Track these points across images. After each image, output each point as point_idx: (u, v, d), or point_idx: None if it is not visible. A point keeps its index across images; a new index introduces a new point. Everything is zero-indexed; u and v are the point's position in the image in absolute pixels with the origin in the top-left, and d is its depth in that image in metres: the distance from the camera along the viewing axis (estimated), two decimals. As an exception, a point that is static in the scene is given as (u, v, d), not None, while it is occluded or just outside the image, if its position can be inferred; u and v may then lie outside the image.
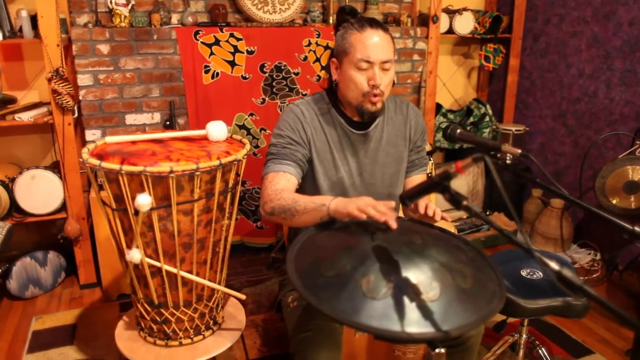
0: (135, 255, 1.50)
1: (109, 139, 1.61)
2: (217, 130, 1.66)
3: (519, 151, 1.28)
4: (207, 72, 2.84)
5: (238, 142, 1.73)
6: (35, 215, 2.58)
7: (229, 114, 2.94)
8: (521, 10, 3.45)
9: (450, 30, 3.35)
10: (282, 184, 1.50)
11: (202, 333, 1.70)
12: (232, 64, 2.88)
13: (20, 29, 2.49)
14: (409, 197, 1.12)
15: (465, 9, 3.32)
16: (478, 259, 1.30)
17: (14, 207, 2.55)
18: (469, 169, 3.53)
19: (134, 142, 1.63)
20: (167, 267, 1.54)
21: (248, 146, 1.65)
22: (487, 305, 1.12)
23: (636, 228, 1.12)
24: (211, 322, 1.73)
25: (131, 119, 2.77)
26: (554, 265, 0.90)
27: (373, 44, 1.49)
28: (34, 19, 2.45)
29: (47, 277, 2.70)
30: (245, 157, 1.62)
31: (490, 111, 3.56)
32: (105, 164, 1.42)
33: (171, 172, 1.40)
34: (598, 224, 3.09)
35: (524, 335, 2.06)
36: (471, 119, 3.57)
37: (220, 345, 1.69)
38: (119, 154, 1.48)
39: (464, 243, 1.36)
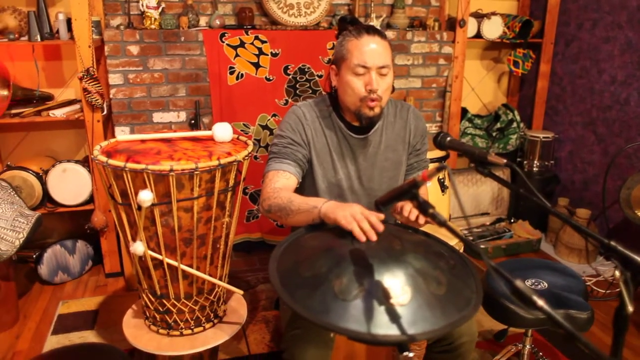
0: (138, 247, 1.59)
1: (121, 137, 1.70)
2: (222, 131, 1.73)
3: (504, 161, 1.28)
4: (232, 73, 2.92)
5: (243, 143, 1.79)
6: (66, 206, 2.73)
7: (253, 114, 3.02)
8: (554, 14, 3.37)
9: (478, 35, 3.31)
10: (281, 183, 1.55)
11: (203, 325, 1.77)
12: (257, 65, 2.96)
13: (58, 31, 2.65)
14: (382, 204, 1.14)
15: (494, 13, 3.27)
16: (460, 266, 1.30)
17: (47, 197, 2.71)
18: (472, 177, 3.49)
19: (143, 141, 1.72)
20: (168, 260, 1.62)
21: (250, 147, 1.71)
22: (458, 312, 1.13)
23: (612, 242, 1.10)
24: (212, 314, 1.80)
25: (158, 117, 2.89)
26: (509, 276, 0.91)
27: (370, 49, 1.52)
28: (70, 22, 2.60)
29: (75, 264, 2.86)
30: (247, 158, 1.68)
31: (518, 117, 3.49)
32: (111, 161, 1.51)
33: (171, 170, 1.47)
34: (626, 236, 2.99)
35: (528, 346, 2.03)
36: (498, 125, 3.52)
37: (219, 338, 1.75)
38: (126, 152, 1.57)
39: (449, 250, 1.37)
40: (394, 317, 1.09)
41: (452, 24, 3.31)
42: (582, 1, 3.21)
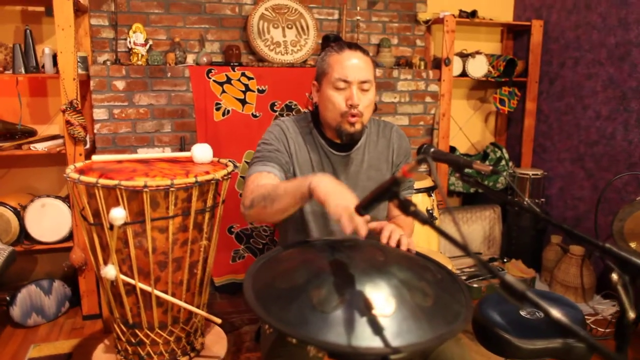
0: (110, 271, 1.50)
1: (95, 157, 1.65)
2: (201, 152, 1.68)
3: (490, 168, 1.23)
4: (218, 109, 2.91)
5: (222, 165, 1.74)
6: (43, 243, 2.63)
7: (239, 150, 2.99)
8: (536, 54, 3.43)
9: (464, 74, 3.36)
10: (264, 182, 1.46)
11: (178, 358, 1.66)
12: (243, 102, 2.95)
13: (44, 66, 2.64)
14: (364, 207, 1.08)
15: (478, 52, 3.33)
16: (448, 281, 1.23)
17: (24, 234, 2.62)
18: (488, 217, 3.44)
19: (119, 162, 1.67)
20: (141, 285, 1.53)
21: (230, 168, 1.66)
22: (446, 325, 1.05)
23: (606, 245, 1.04)
24: (188, 347, 1.68)
25: (143, 152, 2.84)
26: (496, 271, 0.84)
27: (351, 64, 1.50)
28: (56, 57, 2.59)
29: (51, 305, 2.72)
30: (226, 178, 1.62)
31: (506, 155, 3.48)
32: (83, 178, 1.45)
33: (145, 186, 1.41)
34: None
35: (526, 381, 1.91)
36: (487, 163, 3.49)
37: (195, 373, 1.64)
38: (100, 170, 1.52)
39: (436, 265, 1.30)
40: (377, 328, 1.00)
41: (438, 63, 3.35)
42: (563, 41, 3.28)
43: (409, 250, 1.32)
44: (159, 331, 1.59)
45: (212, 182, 1.54)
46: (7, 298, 2.61)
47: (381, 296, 1.06)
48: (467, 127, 3.73)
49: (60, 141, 2.73)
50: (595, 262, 3.06)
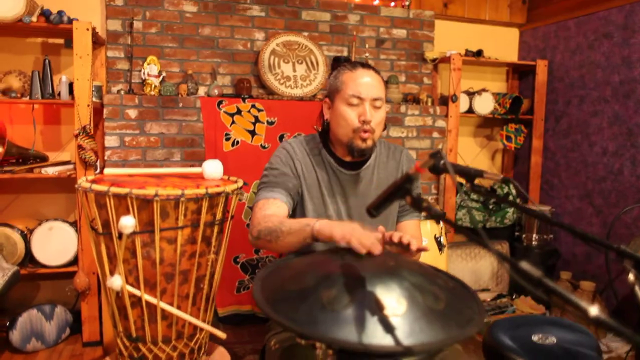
0: (116, 281, 1.49)
1: (107, 170, 1.67)
2: (212, 168, 1.70)
3: (501, 176, 1.23)
4: (227, 139, 2.95)
5: (232, 181, 1.75)
6: (48, 266, 2.62)
7: (247, 181, 2.98)
8: (542, 93, 3.49)
9: (471, 110, 3.41)
10: (271, 210, 1.49)
11: (180, 377, 1.61)
12: (253, 133, 2.99)
13: (60, 94, 2.71)
14: (375, 208, 1.08)
15: (484, 90, 3.39)
16: (459, 289, 1.21)
17: (29, 257, 2.61)
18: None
19: (131, 175, 1.68)
20: (147, 297, 1.51)
21: (240, 183, 1.67)
22: (458, 328, 1.03)
23: (621, 246, 1.03)
24: (191, 365, 1.64)
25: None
26: (509, 258, 0.83)
27: (364, 82, 1.54)
28: (72, 85, 2.67)
29: (52, 331, 2.67)
30: (237, 193, 1.63)
31: (513, 191, 3.48)
32: (95, 186, 1.46)
33: (156, 195, 1.42)
34: (636, 307, 2.84)
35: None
36: (494, 199, 3.49)
37: (197, 392, 1.59)
38: (111, 181, 1.53)
39: (447, 275, 1.28)
40: (388, 327, 0.98)
41: (445, 101, 3.41)
42: (567, 80, 3.34)
43: (419, 249, 1.31)
44: (162, 345, 1.56)
45: (222, 195, 1.55)
46: (7, 323, 2.57)
47: (392, 297, 1.04)
48: (474, 164, 3.75)
49: (70, 166, 2.76)
50: (607, 298, 3.00)
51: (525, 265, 0.81)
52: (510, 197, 3.47)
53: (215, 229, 1.59)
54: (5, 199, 2.92)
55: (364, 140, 1.54)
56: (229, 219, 1.65)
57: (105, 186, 1.44)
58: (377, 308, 1.01)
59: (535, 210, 1.24)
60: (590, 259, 3.18)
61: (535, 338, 1.78)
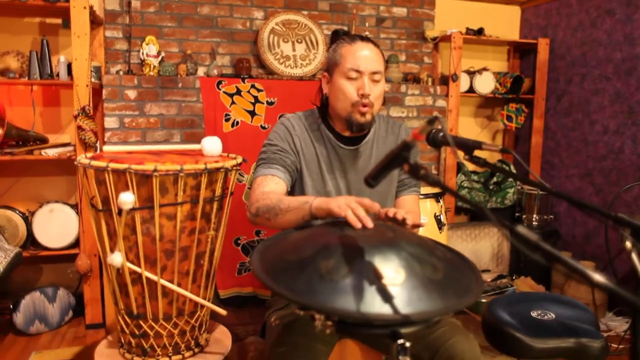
0: (116, 258, 1.49)
1: (107, 148, 1.66)
2: (211, 145, 1.69)
3: (499, 147, 1.23)
4: (227, 120, 2.94)
5: (232, 158, 1.75)
6: (50, 249, 2.63)
7: (247, 162, 3.00)
8: (543, 72, 3.46)
9: (471, 90, 3.39)
10: (270, 187, 1.49)
11: (182, 352, 1.62)
12: (252, 113, 2.98)
13: (58, 74, 2.70)
14: (373, 177, 1.07)
15: (485, 69, 3.36)
16: (457, 260, 1.21)
17: (31, 239, 2.62)
18: (497, 234, 3.41)
19: (130, 152, 1.68)
20: (147, 273, 1.51)
21: (240, 159, 1.67)
22: (457, 297, 1.03)
23: (618, 214, 1.03)
24: (192, 342, 1.65)
25: (151, 161, 2.86)
26: (506, 222, 0.83)
27: (363, 55, 1.52)
28: (70, 66, 2.65)
29: (55, 314, 2.69)
30: (236, 168, 1.62)
31: (514, 171, 3.47)
32: (94, 162, 1.46)
33: (155, 170, 1.42)
34: (636, 285, 2.85)
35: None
36: (494, 179, 3.49)
37: (199, 368, 1.60)
38: (111, 157, 1.53)
39: (445, 248, 1.28)
40: (386, 296, 0.98)
41: (445, 80, 3.39)
42: (569, 58, 3.32)
43: (414, 225, 1.31)
44: (163, 323, 1.57)
45: (222, 170, 1.55)
46: (11, 306, 2.59)
47: (391, 267, 1.04)
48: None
49: (70, 148, 2.76)
50: (607, 278, 3.00)
51: (522, 229, 0.81)
52: (511, 179, 3.46)
53: (215, 206, 1.59)
54: (5, 182, 2.92)
55: (363, 114, 1.53)
56: (229, 195, 1.65)
57: (104, 162, 1.44)
58: (376, 278, 1.01)
59: (534, 181, 1.24)
60: (589, 239, 3.18)
61: (534, 314, 1.79)
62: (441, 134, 1.36)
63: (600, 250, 3.08)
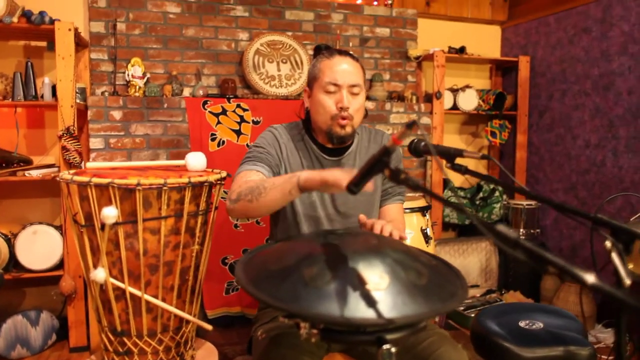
0: (99, 274, 1.47)
1: (90, 164, 1.66)
2: (195, 160, 1.69)
3: (480, 154, 1.25)
4: (213, 140, 2.95)
5: (216, 173, 1.75)
6: (33, 271, 2.58)
7: (231, 177, 3.00)
8: (524, 88, 3.53)
9: (455, 107, 3.43)
10: (252, 179, 1.46)
11: (167, 370, 1.60)
12: (238, 133, 2.99)
13: (42, 96, 2.69)
14: (355, 184, 1.08)
15: (468, 86, 3.42)
16: (442, 267, 1.21)
17: (13, 262, 2.57)
18: (484, 249, 3.40)
19: (113, 168, 1.67)
20: (131, 289, 1.49)
21: (224, 174, 1.67)
22: (442, 302, 1.03)
23: (597, 214, 1.05)
24: (178, 359, 1.63)
25: (137, 181, 2.84)
26: (486, 222, 0.84)
27: (341, 69, 1.54)
28: (55, 88, 2.65)
29: (37, 337, 2.63)
30: (220, 182, 1.62)
31: (499, 187, 3.51)
32: (77, 177, 1.45)
33: (138, 184, 1.41)
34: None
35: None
36: (481, 195, 3.52)
37: (184, 386, 1.57)
38: (94, 173, 1.52)
39: (430, 255, 1.28)
40: (370, 301, 0.98)
41: (429, 98, 3.44)
42: (549, 75, 3.39)
43: (400, 238, 1.31)
44: (147, 339, 1.54)
45: (206, 184, 1.55)
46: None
47: (375, 272, 1.04)
48: (459, 161, 3.76)
49: (55, 169, 2.73)
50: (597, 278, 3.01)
51: (502, 227, 0.81)
52: (497, 193, 3.49)
53: (199, 220, 1.58)
54: (-12, 204, 2.89)
55: (343, 127, 1.55)
56: (213, 210, 1.64)
57: (86, 177, 1.43)
58: (360, 283, 1.01)
59: (517, 188, 1.26)
60: (576, 252, 3.20)
61: (522, 324, 1.79)
62: (423, 143, 1.38)
63: (587, 262, 3.10)
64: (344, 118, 1.53)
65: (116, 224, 1.43)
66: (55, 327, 2.72)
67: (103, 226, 1.43)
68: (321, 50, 1.67)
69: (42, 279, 2.72)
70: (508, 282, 3.36)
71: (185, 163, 1.68)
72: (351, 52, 1.62)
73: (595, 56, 3.02)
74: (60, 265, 2.64)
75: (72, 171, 1.64)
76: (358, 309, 0.96)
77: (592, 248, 2.86)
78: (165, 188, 1.44)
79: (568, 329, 1.73)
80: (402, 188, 1.76)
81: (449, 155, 1.29)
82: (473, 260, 3.43)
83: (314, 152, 1.63)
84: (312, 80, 1.59)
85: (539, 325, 1.77)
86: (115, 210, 1.41)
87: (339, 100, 1.52)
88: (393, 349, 0.97)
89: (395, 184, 1.73)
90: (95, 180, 1.42)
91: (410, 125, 0.97)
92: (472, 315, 3.00)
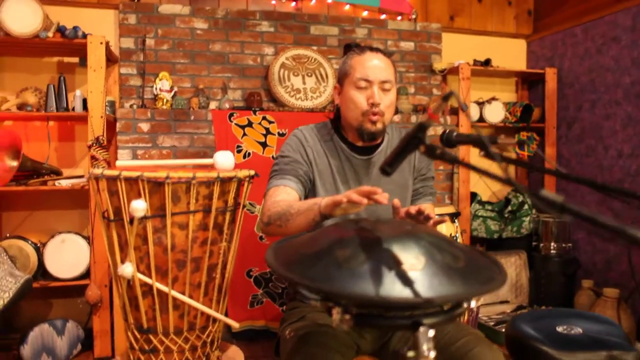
0: (127, 268, 1.47)
1: (119, 162, 1.67)
2: (223, 159, 1.69)
3: (515, 140, 1.22)
4: (239, 151, 2.96)
5: (246, 170, 1.74)
6: (60, 279, 2.60)
7: (259, 193, 2.98)
8: (552, 100, 3.48)
9: (481, 119, 3.40)
10: (281, 197, 1.49)
11: (193, 371, 1.56)
12: (264, 145, 3.00)
13: (74, 109, 2.75)
14: (389, 164, 1.06)
15: (494, 99, 3.39)
16: (477, 254, 1.17)
17: (41, 270, 2.59)
18: (514, 263, 3.31)
19: (142, 167, 1.68)
20: (158, 285, 1.48)
21: (252, 172, 1.66)
22: (480, 285, 0.99)
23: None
24: (203, 358, 1.59)
25: (163, 192, 2.86)
26: (523, 187, 0.81)
27: (372, 65, 1.54)
28: (86, 101, 2.71)
29: (63, 347, 2.63)
30: (249, 180, 1.62)
31: (528, 199, 3.43)
32: (106, 172, 1.46)
33: (167, 177, 1.41)
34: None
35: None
36: (509, 208, 3.44)
37: (210, 387, 1.54)
38: (123, 168, 1.53)
39: (465, 245, 1.24)
40: (406, 281, 0.94)
41: (455, 111, 3.41)
42: (577, 85, 3.34)
43: (437, 222, 1.28)
44: (174, 337, 1.52)
45: (234, 180, 1.54)
46: (19, 336, 2.54)
47: (410, 254, 1.01)
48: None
49: (84, 179, 2.77)
50: (634, 305, 2.89)
51: (546, 192, 0.78)
52: (525, 206, 3.41)
53: (227, 217, 1.57)
54: (18, 215, 2.94)
55: (374, 122, 1.54)
56: (241, 207, 1.63)
57: (116, 171, 1.44)
58: (395, 264, 0.98)
59: (553, 170, 1.21)
60: (610, 266, 3.09)
61: (559, 329, 1.71)
62: (455, 133, 1.36)
63: (624, 277, 2.98)
64: (375, 114, 1.52)
65: (145, 217, 1.43)
66: (80, 337, 2.72)
67: (132, 220, 1.43)
68: (352, 48, 1.67)
69: (69, 289, 2.73)
70: (539, 298, 3.24)
71: (214, 161, 1.69)
72: (382, 49, 1.62)
73: (626, 64, 2.96)
74: (86, 274, 2.65)
75: (102, 167, 1.65)
76: (394, 289, 0.92)
77: (631, 261, 2.76)
78: (194, 182, 1.44)
79: (609, 334, 1.65)
80: (433, 189, 1.73)
81: (483, 142, 1.26)
82: (503, 276, 3.32)
83: (344, 152, 1.62)
84: (343, 76, 1.59)
85: (578, 330, 1.70)
86: (144, 203, 1.41)
87: (370, 96, 1.52)
88: (431, 332, 0.93)
89: (427, 187, 1.70)
90: (125, 173, 1.42)
91: (447, 97, 0.95)
92: (503, 330, 2.90)
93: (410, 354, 0.92)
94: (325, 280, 0.96)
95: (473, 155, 3.43)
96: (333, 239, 1.09)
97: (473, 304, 1.02)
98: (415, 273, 0.96)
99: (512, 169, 3.83)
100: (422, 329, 0.93)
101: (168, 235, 1.45)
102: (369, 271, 0.96)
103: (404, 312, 0.96)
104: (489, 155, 1.27)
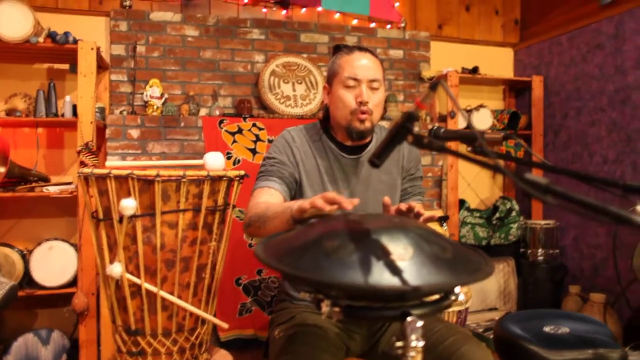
0: (115, 268, 1.46)
1: (108, 163, 1.67)
2: (213, 159, 1.69)
3: (501, 134, 1.24)
4: (229, 158, 2.96)
5: (235, 170, 1.75)
6: (46, 287, 2.57)
7: (249, 199, 2.99)
8: (539, 108, 3.53)
9: (469, 127, 3.43)
10: (263, 198, 1.51)
11: (181, 373, 1.55)
12: (254, 151, 3.01)
13: (63, 115, 2.75)
14: (377, 156, 1.06)
15: (482, 106, 3.43)
16: (465, 247, 1.18)
17: (27, 278, 2.56)
18: (502, 270, 3.33)
19: (132, 167, 1.68)
20: (147, 285, 1.47)
21: (242, 172, 1.67)
22: (467, 275, 1.00)
23: (627, 182, 1.01)
24: (192, 361, 1.58)
25: (153, 198, 2.85)
26: (512, 173, 0.82)
27: (360, 64, 1.56)
28: (75, 108, 2.70)
29: (48, 356, 2.59)
30: (239, 180, 1.62)
31: (516, 206, 3.46)
32: (96, 170, 1.45)
33: (157, 176, 1.42)
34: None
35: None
36: (497, 215, 3.47)
37: (199, 389, 1.52)
38: (113, 168, 1.53)
39: (452, 240, 1.25)
40: (395, 270, 0.95)
41: (443, 118, 3.45)
42: (563, 93, 3.39)
43: (427, 219, 1.29)
44: (162, 339, 1.50)
45: (224, 179, 1.55)
46: (2, 348, 2.50)
47: (399, 245, 1.01)
48: (475, 183, 3.74)
49: (72, 186, 2.76)
50: (620, 310, 2.91)
51: (530, 175, 0.79)
52: (513, 213, 3.44)
53: (217, 216, 1.57)
54: (6, 223, 2.90)
55: (362, 121, 1.55)
56: (231, 208, 1.63)
57: (106, 170, 1.44)
58: (383, 254, 0.98)
59: (537, 162, 1.23)
60: (597, 271, 3.12)
61: (547, 329, 1.72)
62: (442, 129, 1.38)
63: (610, 282, 3.00)
64: (363, 112, 1.54)
65: (134, 216, 1.43)
66: (66, 346, 2.67)
67: (121, 219, 1.43)
68: (340, 48, 1.69)
69: (55, 298, 2.70)
70: (528, 304, 3.26)
71: (204, 162, 1.69)
72: (370, 49, 1.64)
73: (610, 72, 3.02)
74: (73, 282, 2.62)
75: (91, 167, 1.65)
76: (383, 278, 0.93)
77: (617, 267, 2.78)
78: (184, 180, 1.44)
79: (596, 333, 1.66)
80: (422, 188, 1.74)
81: (469, 137, 1.28)
82: (491, 283, 3.34)
83: (332, 151, 1.63)
84: (332, 76, 1.61)
85: (565, 330, 1.71)
86: (134, 201, 1.41)
87: (359, 94, 1.54)
88: (419, 322, 0.93)
89: (416, 186, 1.72)
90: (115, 171, 1.42)
91: (434, 86, 0.96)
92: (492, 337, 2.90)
93: (399, 343, 0.93)
94: (314, 270, 0.96)
95: (461, 151, 3.46)
96: (322, 231, 1.09)
97: (461, 297, 1.02)
98: (404, 263, 0.97)
99: (500, 179, 3.87)
100: (409, 318, 0.93)
101: (157, 235, 1.45)
102: (358, 261, 0.96)
103: (393, 303, 0.97)
104: (475, 150, 1.30)
